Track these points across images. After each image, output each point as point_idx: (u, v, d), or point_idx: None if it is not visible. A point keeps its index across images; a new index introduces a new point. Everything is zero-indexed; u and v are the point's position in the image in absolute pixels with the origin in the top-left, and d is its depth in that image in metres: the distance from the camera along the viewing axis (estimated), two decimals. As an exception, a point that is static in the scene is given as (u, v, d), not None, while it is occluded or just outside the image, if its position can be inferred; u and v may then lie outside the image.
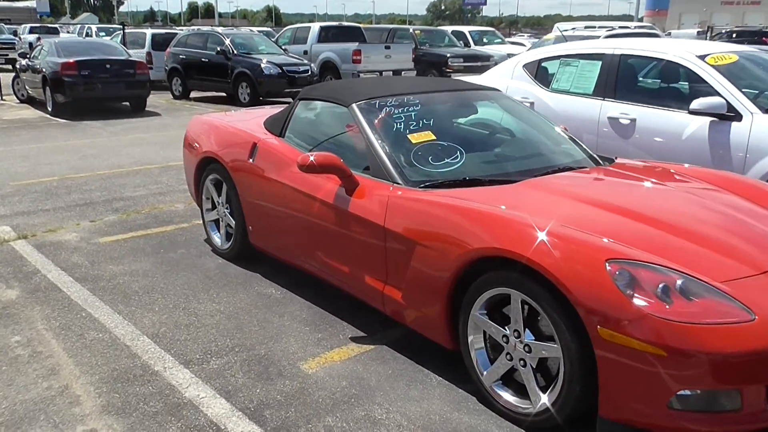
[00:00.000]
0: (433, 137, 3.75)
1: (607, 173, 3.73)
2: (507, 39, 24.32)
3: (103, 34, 27.05)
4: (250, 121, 4.96)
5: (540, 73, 6.21)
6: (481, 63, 18.70)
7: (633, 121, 5.36)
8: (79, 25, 29.82)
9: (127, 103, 14.33)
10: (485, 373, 2.99)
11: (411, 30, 20.07)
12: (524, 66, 6.33)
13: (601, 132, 5.54)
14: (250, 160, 4.43)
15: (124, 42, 18.70)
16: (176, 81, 16.87)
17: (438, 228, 3.08)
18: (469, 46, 21.26)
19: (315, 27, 18.43)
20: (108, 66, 13.10)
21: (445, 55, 18.41)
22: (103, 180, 7.63)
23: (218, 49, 15.65)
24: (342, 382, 3.22)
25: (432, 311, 3.17)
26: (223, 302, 4.16)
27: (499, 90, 4.50)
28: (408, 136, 3.74)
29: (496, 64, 19.62)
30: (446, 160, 3.61)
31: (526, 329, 2.79)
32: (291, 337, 3.67)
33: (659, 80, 5.66)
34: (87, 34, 28.52)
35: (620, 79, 5.57)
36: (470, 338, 3.02)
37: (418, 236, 3.17)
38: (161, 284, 4.46)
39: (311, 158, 3.57)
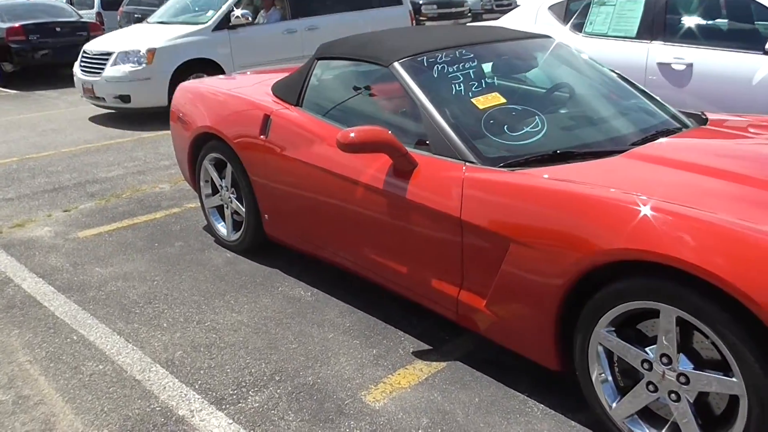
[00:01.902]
0: (503, 100, 3.03)
1: (718, 135, 3.06)
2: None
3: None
4: (252, 86, 4.15)
5: (569, 15, 5.48)
6: (455, 9, 17.87)
7: (689, 66, 4.69)
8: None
9: (83, 68, 13.15)
10: (614, 405, 2.35)
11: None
12: (550, 8, 5.60)
13: (648, 80, 4.87)
14: (263, 137, 3.65)
15: (71, 3, 17.27)
16: (133, 42, 15.65)
17: (543, 222, 2.39)
18: (440, -7, 20.27)
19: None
20: (58, 29, 11.95)
21: (417, 2, 17.43)
22: (70, 159, 6.73)
23: (178, 5, 14.47)
24: (422, 419, 2.55)
25: (533, 326, 2.50)
26: (245, 310, 3.43)
27: (551, 37, 3.77)
28: (472, 100, 3.01)
29: (470, 11, 18.83)
30: (525, 129, 2.90)
31: (680, 354, 2.14)
32: (341, 356, 2.98)
33: (721, 17, 4.97)
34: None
35: (670, 17, 4.87)
36: (592, 362, 2.36)
37: (513, 232, 2.48)
38: (164, 290, 3.70)
39: (352, 134, 2.83)
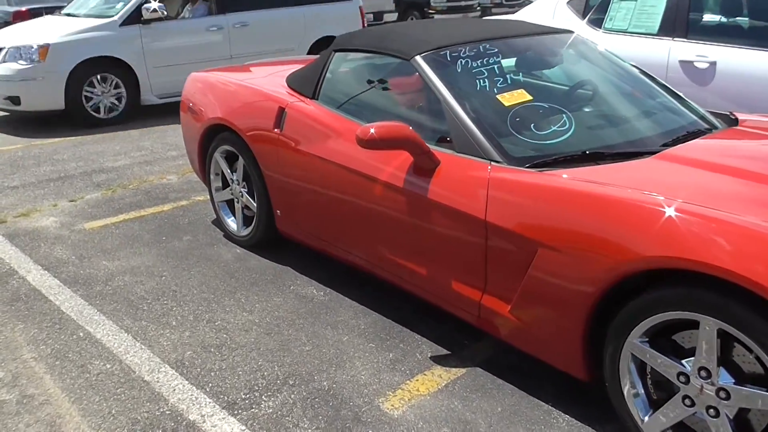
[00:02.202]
0: (529, 97, 2.91)
1: (751, 136, 2.95)
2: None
3: None
4: (267, 77, 4.04)
5: (589, 10, 5.35)
6: (464, 3, 17.72)
7: (713, 64, 4.57)
8: None
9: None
10: (646, 419, 2.24)
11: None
12: (569, 3, 5.46)
13: (669, 78, 4.74)
14: (277, 130, 3.54)
15: None
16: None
17: (575, 226, 2.28)
18: (449, -15, 20.08)
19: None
20: (66, 14, 11.80)
21: (427, -5, 17.30)
22: (75, 147, 6.63)
23: None
24: (442, 428, 2.45)
25: (560, 333, 2.39)
26: (256, 309, 3.33)
27: (572, 31, 3.64)
28: (497, 96, 2.90)
29: (479, 5, 18.66)
30: (553, 128, 2.78)
31: (720, 367, 2.03)
32: (356, 360, 2.88)
33: (745, 14, 4.84)
34: None
35: (693, 14, 4.74)
36: (623, 373, 2.26)
37: (542, 235, 2.37)
38: (172, 285, 3.60)
39: (372, 130, 2.72)
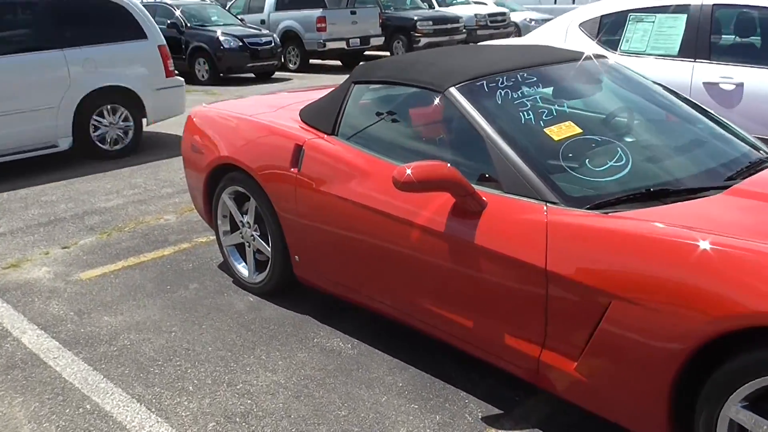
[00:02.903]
0: (579, 130, 2.67)
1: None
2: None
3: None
4: (276, 111, 3.77)
5: (603, 32, 5.15)
6: (450, 25, 17.61)
7: (739, 85, 4.37)
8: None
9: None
10: (749, 493, 1.97)
11: (373, -8, 18.67)
12: (581, 25, 5.27)
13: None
14: (294, 169, 3.27)
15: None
16: (122, 60, 15.16)
17: (657, 276, 2.02)
18: (433, 8, 20.01)
19: (271, -7, 16.86)
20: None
21: (412, 19, 17.16)
22: (64, 186, 6.29)
23: (168, 22, 14.07)
24: (511, 508, 2.15)
25: (640, 394, 2.12)
26: (280, 368, 3.03)
27: (604, 56, 3.43)
28: (545, 130, 2.65)
29: (464, 27, 18.58)
30: (609, 163, 2.54)
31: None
32: (399, 425, 2.58)
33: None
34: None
35: (715, 35, 4.55)
36: (720, 441, 1.99)
37: (616, 286, 2.11)
38: (184, 343, 3.29)
39: (409, 171, 2.45)
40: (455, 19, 17.80)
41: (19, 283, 4.11)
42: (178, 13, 14.12)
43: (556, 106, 2.78)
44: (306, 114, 3.54)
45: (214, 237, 4.72)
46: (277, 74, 14.85)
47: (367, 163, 3.00)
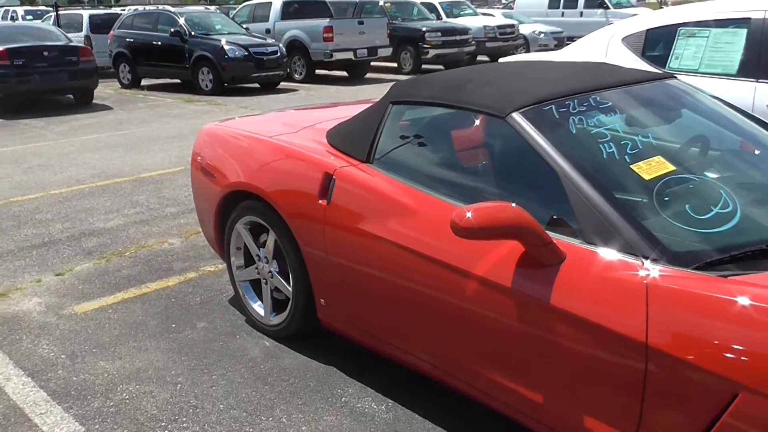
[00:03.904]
0: (671, 167, 2.25)
1: None
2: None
3: (31, 17, 24.34)
4: (299, 132, 3.35)
5: (649, 47, 4.75)
6: (459, 37, 17.25)
7: (808, 111, 3.95)
8: (1, 9, 26.79)
9: (71, 96, 12.33)
10: None
11: (381, 2, 18.29)
12: (624, 39, 4.86)
13: (753, 127, 4.11)
14: (323, 201, 2.84)
15: (58, 25, 16.47)
16: (124, 68, 14.84)
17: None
18: (441, 19, 19.66)
19: (277, 2, 16.47)
20: (46, 53, 11.10)
21: (420, 30, 16.78)
22: (60, 203, 5.86)
23: (171, 30, 13.69)
24: None
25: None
26: (304, 434, 2.59)
27: (675, 76, 3.01)
28: (632, 166, 2.23)
29: (473, 38, 18.22)
30: (714, 210, 2.11)
31: None
32: None
33: None
34: (12, 18, 25.70)
35: (780, 54, 4.15)
36: None
37: (747, 375, 1.68)
38: (191, 398, 2.85)
39: (469, 214, 2.03)
40: (464, 31, 17.44)
41: (6, 316, 3.67)
42: (181, 21, 13.73)
43: (640, 137, 2.37)
44: (334, 137, 3.11)
45: (223, 265, 4.29)
46: (283, 84, 14.45)
47: (410, 197, 2.58)
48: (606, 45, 4.94)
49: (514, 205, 2.06)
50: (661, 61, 4.67)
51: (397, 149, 2.81)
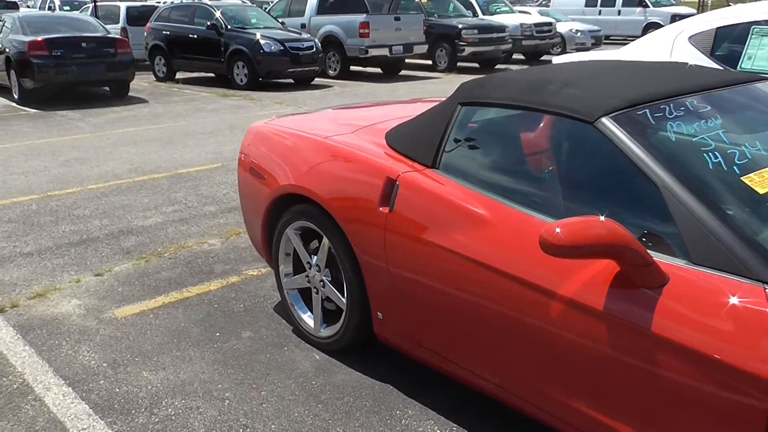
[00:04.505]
0: (785, 180, 2.01)
1: None
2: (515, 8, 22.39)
3: (68, 8, 24.53)
4: (356, 133, 3.15)
5: (718, 46, 4.47)
6: (496, 35, 16.94)
7: None
8: (39, -1, 27.04)
9: (107, 88, 12.30)
10: None
11: (416, -2, 18.00)
12: (691, 38, 4.59)
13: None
14: (384, 208, 2.64)
15: (95, 16, 16.49)
16: (159, 60, 14.80)
17: None
18: (476, 16, 19.34)
19: (314, -4, 16.29)
20: (84, 44, 11.04)
21: (456, 27, 16.50)
22: (98, 198, 5.75)
23: (208, 23, 13.60)
24: None
25: None
26: (363, 461, 2.40)
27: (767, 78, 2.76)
28: (742, 179, 1.99)
29: (510, 36, 17.89)
30: (841, 231, 1.87)
31: None
32: None
33: None
34: (50, 8, 25.93)
35: None
36: None
37: None
38: (241, 416, 2.67)
39: (558, 230, 1.82)
40: (501, 29, 17.13)
41: (45, 319, 3.53)
42: (218, 14, 13.64)
43: (747, 146, 2.13)
44: (395, 139, 2.91)
45: (266, 269, 4.13)
46: (317, 80, 14.31)
47: (483, 207, 2.37)
48: (671, 43, 4.67)
49: (607, 219, 1.84)
50: (731, 60, 4.39)
51: (467, 154, 2.60)
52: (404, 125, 2.96)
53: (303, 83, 13.94)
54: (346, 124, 3.31)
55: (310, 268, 3.15)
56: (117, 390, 2.87)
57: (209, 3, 14.36)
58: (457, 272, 2.38)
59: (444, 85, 13.76)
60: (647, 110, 2.20)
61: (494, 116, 2.68)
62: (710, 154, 2.05)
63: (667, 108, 2.21)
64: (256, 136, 3.47)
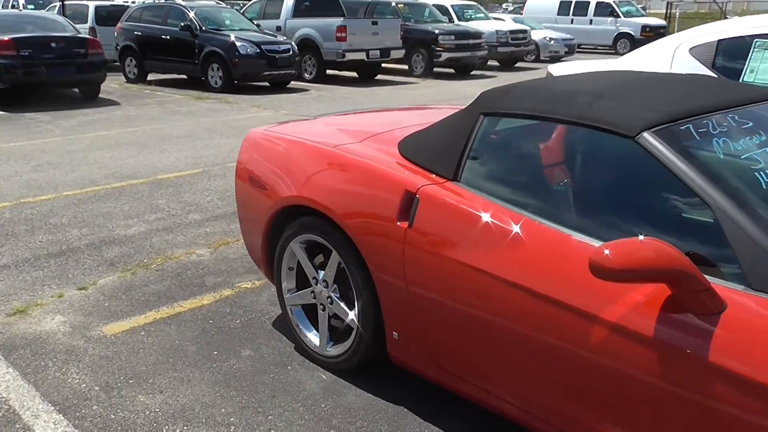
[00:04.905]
0: (839, 201, 1.92)
1: None
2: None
3: (32, 6, 23.86)
4: (364, 142, 3.00)
5: (720, 59, 4.43)
6: (472, 41, 16.94)
7: None
8: (2, -2, 26.23)
9: (76, 90, 11.93)
10: None
11: (394, 3, 17.91)
12: (692, 49, 4.54)
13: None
14: (402, 223, 2.51)
15: (63, 16, 16.04)
16: (130, 61, 14.45)
17: None
18: (452, 22, 19.31)
19: (289, -1, 16.09)
20: (53, 44, 10.70)
21: (433, 32, 16.46)
22: (75, 206, 5.50)
23: (182, 24, 13.31)
24: None
25: None
26: (384, 494, 2.25)
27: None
28: (796, 200, 1.90)
29: (486, 42, 17.89)
30: None
31: None
32: None
33: None
34: (13, 7, 25.21)
35: None
36: None
37: None
38: (248, 444, 2.51)
39: (606, 251, 1.70)
40: (478, 35, 17.13)
41: (27, 338, 3.31)
42: (191, 15, 13.37)
43: (796, 165, 2.04)
44: (409, 148, 2.78)
45: (261, 281, 3.96)
46: (293, 84, 14.10)
47: (515, 224, 2.24)
48: (671, 55, 4.62)
49: (661, 241, 1.73)
50: (733, 73, 4.35)
51: (492, 167, 2.48)
52: (419, 135, 2.83)
53: (279, 87, 13.73)
54: (353, 132, 3.16)
55: (316, 284, 3.00)
56: (112, 416, 2.68)
57: (182, 3, 14.08)
58: (484, 292, 2.25)
59: (423, 90, 13.68)
60: (690, 125, 2.10)
61: (520, 127, 2.56)
62: (762, 173, 1.96)
63: (710, 123, 2.11)
64: (256, 143, 3.31)
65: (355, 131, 3.20)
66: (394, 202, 2.55)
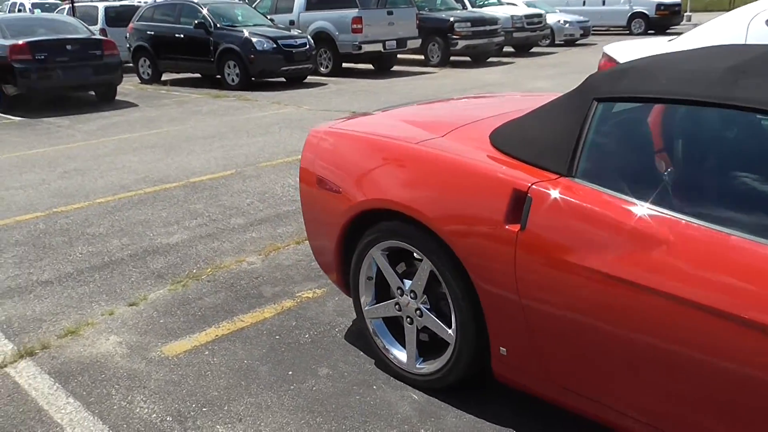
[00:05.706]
0: None
1: None
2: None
3: (39, 10, 23.61)
4: (448, 136, 2.71)
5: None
6: (489, 27, 16.57)
7: None
8: (8, 2, 25.96)
9: (92, 93, 11.70)
10: None
11: (406, -8, 17.50)
12: (768, 22, 4.22)
13: None
14: (512, 226, 2.22)
15: (73, 16, 15.80)
16: (144, 62, 14.21)
17: None
18: (466, 9, 18.94)
19: (302, -9, 15.75)
20: (68, 47, 10.47)
21: (448, 20, 16.09)
22: (110, 214, 5.24)
23: (195, 22, 13.04)
24: None
25: None
26: None
27: None
28: None
29: (502, 28, 17.52)
30: None
31: None
32: None
33: None
34: (20, 10, 24.96)
35: None
36: None
37: None
38: (348, 480, 2.24)
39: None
40: (494, 21, 16.78)
41: (83, 362, 3.05)
42: (204, 11, 13.08)
43: None
44: (507, 142, 2.49)
45: (321, 289, 3.70)
46: (310, 79, 13.82)
47: (656, 224, 1.95)
48: (746, 27, 4.31)
49: None
50: (818, 45, 4.02)
51: (615, 159, 2.19)
52: (514, 125, 2.54)
53: (296, 82, 13.45)
54: (431, 126, 2.88)
55: (401, 295, 2.72)
56: (192, 451, 2.41)
57: (195, 1, 13.79)
58: (623, 302, 1.97)
59: (442, 80, 13.37)
60: None
61: (638, 113, 2.27)
62: None
63: None
64: (323, 142, 3.03)
65: (431, 125, 2.91)
66: (500, 203, 2.27)
